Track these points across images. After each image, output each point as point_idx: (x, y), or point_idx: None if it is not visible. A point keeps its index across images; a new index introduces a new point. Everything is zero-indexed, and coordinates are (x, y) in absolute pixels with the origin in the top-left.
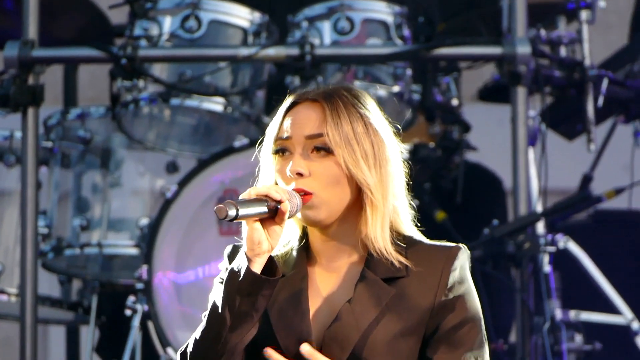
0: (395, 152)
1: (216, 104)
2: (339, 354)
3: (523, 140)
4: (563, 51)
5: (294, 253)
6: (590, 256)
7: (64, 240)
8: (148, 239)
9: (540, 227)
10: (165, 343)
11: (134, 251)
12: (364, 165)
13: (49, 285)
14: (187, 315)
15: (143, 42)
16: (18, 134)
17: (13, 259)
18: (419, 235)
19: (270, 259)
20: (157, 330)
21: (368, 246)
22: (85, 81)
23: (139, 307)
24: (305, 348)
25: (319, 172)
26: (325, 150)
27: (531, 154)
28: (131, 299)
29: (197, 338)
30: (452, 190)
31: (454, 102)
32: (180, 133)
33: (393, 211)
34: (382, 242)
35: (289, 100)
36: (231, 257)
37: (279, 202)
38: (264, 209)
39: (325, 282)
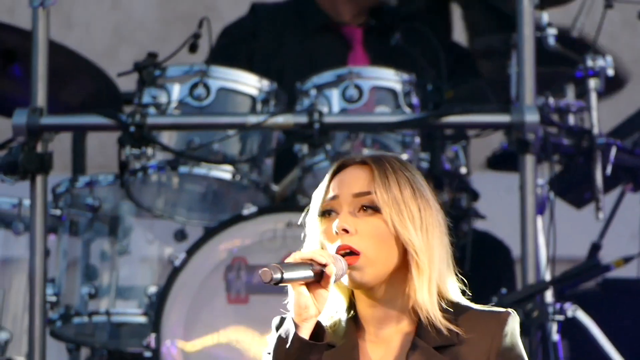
0: (441, 220)
1: (224, 172)
2: None
3: (531, 208)
4: (571, 119)
5: (343, 323)
6: (599, 325)
7: (72, 308)
8: (156, 307)
9: (549, 295)
10: None
11: (142, 319)
12: (410, 226)
13: (57, 353)
14: None
15: (152, 110)
16: (27, 202)
17: (21, 327)
18: (466, 302)
19: (318, 324)
20: None
21: (417, 312)
22: (93, 149)
23: None
24: None
25: (366, 230)
26: (372, 209)
27: (540, 222)
28: None
29: None
30: (460, 259)
31: (463, 170)
32: (188, 201)
33: (439, 277)
34: (430, 307)
35: (335, 164)
36: (279, 327)
37: (324, 265)
38: (309, 272)
39: (376, 352)
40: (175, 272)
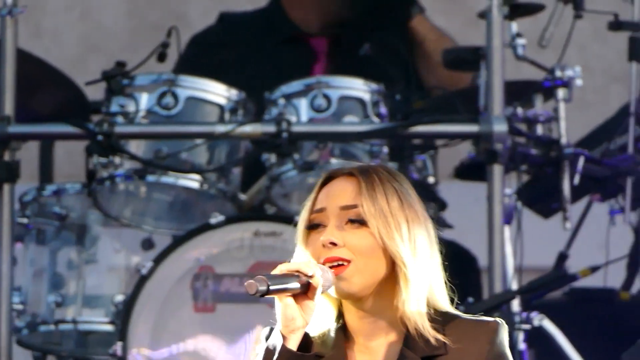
0: (430, 230)
1: (192, 181)
2: None
3: (499, 218)
4: (539, 129)
5: (331, 334)
6: (565, 334)
7: (38, 316)
8: (123, 315)
9: (516, 304)
10: None
11: (109, 328)
12: (398, 238)
13: None
14: None
15: (119, 119)
16: None
17: None
18: (454, 311)
19: (306, 335)
20: None
21: (405, 323)
22: (61, 157)
23: None
24: None
25: (353, 242)
26: (359, 222)
27: (507, 231)
28: None
29: None
30: None
31: (430, 180)
32: (156, 210)
33: (428, 287)
34: (418, 318)
35: (323, 175)
36: (268, 338)
37: (311, 277)
38: (295, 284)
39: None
40: (142, 280)
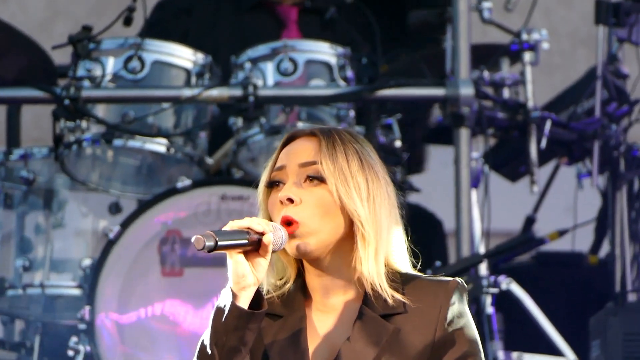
0: (390, 191)
1: (159, 145)
2: None
3: (466, 181)
4: (506, 93)
5: (291, 293)
6: (533, 298)
7: (6, 281)
8: (90, 279)
9: (483, 268)
10: None
11: (76, 292)
12: (356, 197)
13: None
14: (129, 356)
15: (86, 83)
16: None
17: None
18: (414, 272)
19: (257, 293)
20: None
21: (363, 282)
22: (28, 122)
23: (81, 347)
24: None
25: (310, 200)
26: (317, 179)
27: (474, 195)
28: (74, 339)
29: None
30: None
31: (397, 143)
32: (123, 174)
33: (387, 248)
34: (376, 278)
35: (285, 136)
36: None
37: (262, 234)
38: (244, 240)
39: (323, 321)
40: (109, 245)
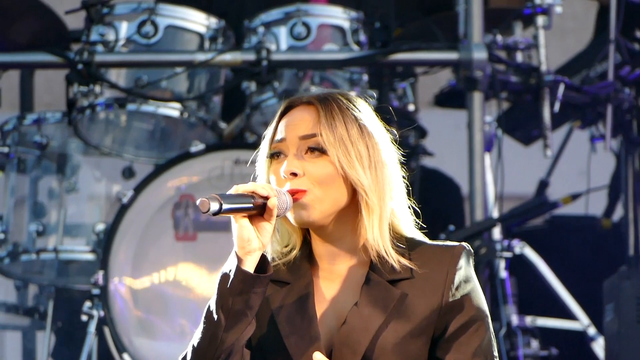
0: (392, 156)
1: (172, 110)
2: (351, 357)
3: (479, 145)
4: (519, 57)
5: (297, 260)
6: (546, 262)
7: (20, 245)
8: (104, 244)
9: (497, 232)
10: (121, 348)
11: (90, 257)
12: (358, 166)
13: (5, 290)
14: (143, 321)
15: (99, 48)
16: None
17: None
18: (420, 237)
19: (263, 257)
20: (113, 335)
21: (369, 249)
22: (41, 86)
23: (95, 312)
24: (318, 356)
25: (313, 171)
26: (318, 150)
27: (487, 159)
28: (87, 304)
29: (195, 341)
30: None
31: (411, 107)
32: (136, 138)
33: (391, 213)
34: (382, 244)
35: (282, 104)
36: None
37: (266, 198)
38: (249, 204)
39: (330, 287)
40: (123, 209)
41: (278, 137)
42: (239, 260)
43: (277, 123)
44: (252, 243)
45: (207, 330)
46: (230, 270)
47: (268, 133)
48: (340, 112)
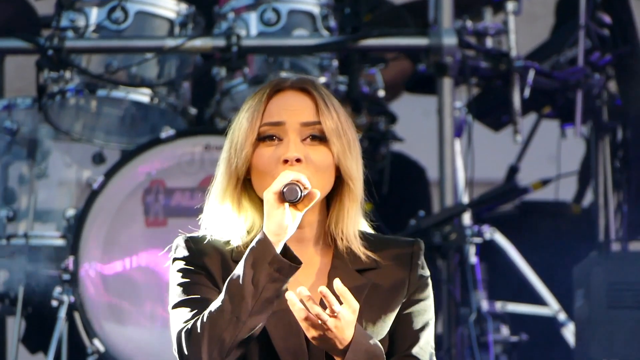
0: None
1: (142, 95)
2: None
3: (449, 131)
4: (489, 42)
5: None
6: (516, 247)
7: None
8: (74, 230)
9: (467, 218)
10: (91, 334)
11: (60, 242)
12: (349, 155)
13: None
14: (113, 306)
15: (70, 34)
16: None
17: None
18: (371, 231)
19: (286, 246)
20: (83, 321)
21: (335, 237)
22: (11, 72)
23: (65, 298)
24: (303, 291)
25: (315, 159)
26: (320, 138)
27: (457, 145)
28: (57, 290)
29: (212, 318)
30: (378, 181)
31: (381, 93)
32: (106, 124)
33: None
34: (352, 234)
35: (269, 87)
36: (192, 248)
37: (308, 189)
38: (303, 193)
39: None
40: (93, 195)
41: (272, 119)
42: (273, 246)
43: (266, 104)
44: (287, 230)
45: (232, 311)
46: (264, 256)
47: (250, 113)
48: (330, 100)
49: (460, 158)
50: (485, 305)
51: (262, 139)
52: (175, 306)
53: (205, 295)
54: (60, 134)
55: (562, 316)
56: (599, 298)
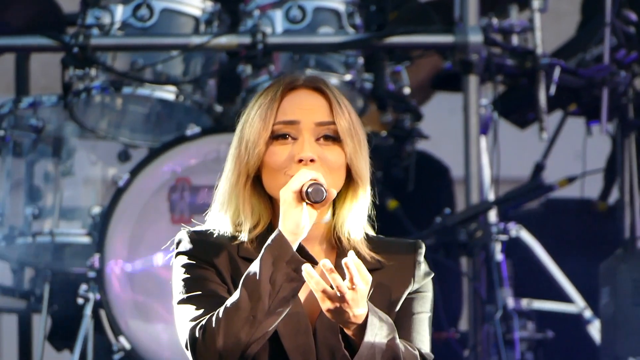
0: None
1: (168, 93)
2: (335, 340)
3: (475, 128)
4: (515, 40)
5: (264, 239)
6: (542, 245)
7: (16, 229)
8: (100, 227)
9: (493, 215)
10: (117, 331)
11: (86, 240)
12: (361, 156)
13: (0, 274)
14: (139, 304)
15: (95, 31)
16: None
17: None
18: (372, 232)
19: (301, 245)
20: (109, 318)
21: (341, 237)
22: (37, 70)
23: (91, 295)
24: (308, 268)
25: (328, 159)
26: (333, 138)
27: (483, 142)
28: (83, 287)
29: (231, 317)
30: (403, 179)
31: (406, 90)
32: (132, 122)
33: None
34: (358, 235)
35: (282, 85)
36: (197, 242)
37: (327, 190)
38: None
39: None
40: (119, 192)
41: (287, 118)
42: (288, 243)
43: (279, 102)
44: (304, 229)
45: (249, 310)
46: (281, 255)
47: (264, 110)
48: (343, 100)
49: (486, 155)
50: (511, 302)
51: (276, 137)
52: (182, 302)
53: (213, 291)
54: (86, 131)
55: (588, 313)
56: (624, 295)
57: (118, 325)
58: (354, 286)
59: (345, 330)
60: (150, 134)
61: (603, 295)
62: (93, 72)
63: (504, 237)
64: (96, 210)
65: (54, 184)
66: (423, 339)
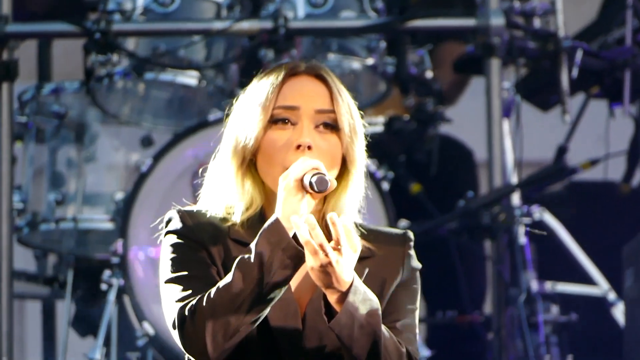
0: None
1: (190, 78)
2: (323, 324)
3: (497, 111)
4: (537, 22)
5: (255, 223)
6: (565, 227)
7: (39, 215)
8: (123, 213)
9: (516, 198)
10: (141, 317)
11: (109, 225)
12: (357, 145)
13: (24, 260)
14: None
15: (117, 17)
16: None
17: None
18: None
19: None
20: (132, 304)
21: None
22: (59, 56)
23: (114, 281)
24: (310, 220)
25: (325, 147)
26: (332, 126)
27: (506, 125)
28: (107, 273)
29: (222, 301)
30: (426, 163)
31: (428, 74)
32: (154, 107)
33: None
34: (350, 223)
35: (283, 70)
36: (187, 222)
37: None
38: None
39: None
40: (141, 178)
41: (287, 103)
42: (286, 231)
43: (280, 87)
44: (302, 218)
45: (240, 295)
46: (279, 241)
47: (264, 94)
48: (342, 89)
49: (509, 138)
50: (534, 285)
51: (275, 121)
52: (170, 281)
53: (201, 271)
54: (108, 117)
55: (611, 296)
56: None
57: (142, 310)
58: (339, 246)
59: (328, 297)
60: (172, 119)
61: (627, 277)
62: (115, 57)
63: (527, 220)
64: (119, 195)
65: (76, 170)
66: (411, 335)
